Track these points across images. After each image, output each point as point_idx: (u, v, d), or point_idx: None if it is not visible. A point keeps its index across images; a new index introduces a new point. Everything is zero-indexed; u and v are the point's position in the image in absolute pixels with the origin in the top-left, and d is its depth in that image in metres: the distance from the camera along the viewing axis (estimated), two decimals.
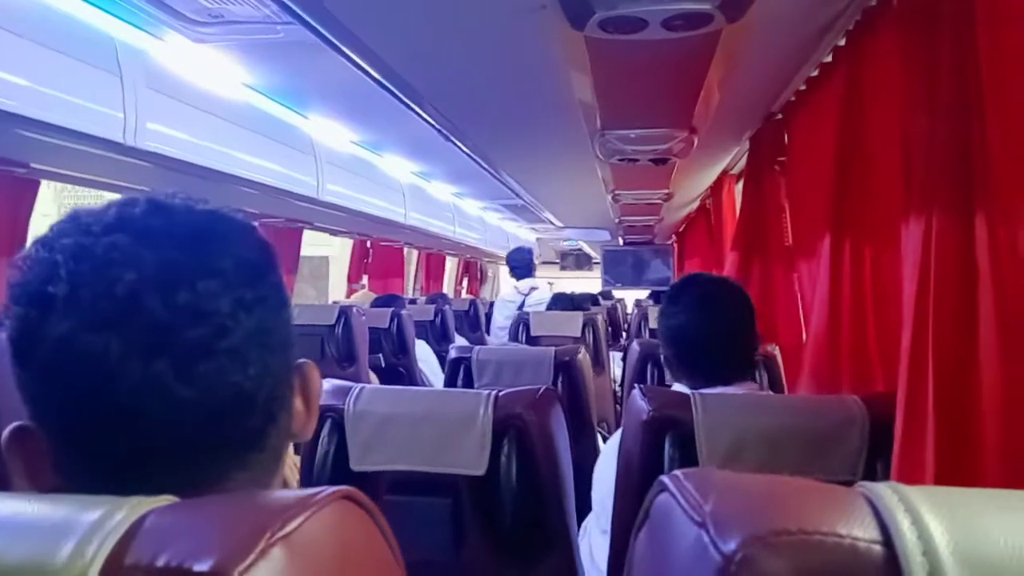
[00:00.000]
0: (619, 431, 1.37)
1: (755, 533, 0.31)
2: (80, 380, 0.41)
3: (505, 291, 4.36)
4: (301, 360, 0.52)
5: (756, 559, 0.30)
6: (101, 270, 0.41)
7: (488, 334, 4.35)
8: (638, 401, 1.07)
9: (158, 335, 0.41)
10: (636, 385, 1.13)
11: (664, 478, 0.40)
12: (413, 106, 1.68)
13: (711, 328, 1.21)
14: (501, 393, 1.09)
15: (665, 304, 1.28)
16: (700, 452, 1.01)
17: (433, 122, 1.84)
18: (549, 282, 4.32)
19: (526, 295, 3.97)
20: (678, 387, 1.27)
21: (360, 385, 1.13)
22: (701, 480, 0.37)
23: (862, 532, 0.30)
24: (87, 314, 0.40)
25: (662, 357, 1.34)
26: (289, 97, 2.43)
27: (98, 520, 0.32)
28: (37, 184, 2.26)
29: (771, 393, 1.45)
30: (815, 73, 1.51)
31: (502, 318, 4.08)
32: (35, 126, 1.67)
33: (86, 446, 0.42)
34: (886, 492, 0.32)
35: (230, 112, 2.23)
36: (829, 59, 1.44)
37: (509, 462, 1.06)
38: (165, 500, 0.34)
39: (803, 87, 1.61)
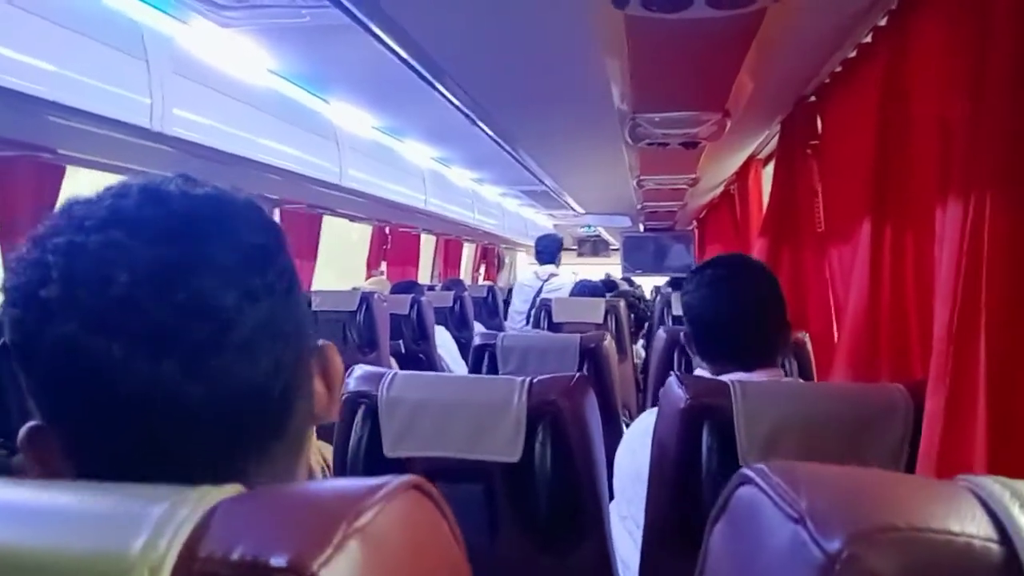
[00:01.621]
0: (641, 419, 1.36)
1: (860, 530, 0.30)
2: (85, 383, 0.40)
3: (524, 276, 4.37)
4: (321, 342, 0.51)
5: (863, 557, 0.29)
6: (95, 270, 0.39)
7: (506, 319, 4.35)
8: (675, 389, 1.06)
9: (160, 336, 0.39)
10: (672, 372, 1.11)
11: (747, 470, 0.38)
12: (439, 87, 1.66)
13: (729, 307, 1.19)
14: (535, 380, 1.08)
15: (686, 282, 1.26)
16: (739, 441, 0.99)
17: (459, 104, 1.82)
18: (573, 271, 4.30)
19: (545, 281, 3.96)
20: (699, 371, 1.24)
21: (392, 371, 1.13)
22: (790, 473, 0.35)
23: (975, 529, 0.29)
24: (85, 317, 0.39)
25: (682, 335, 1.33)
26: (312, 82, 2.42)
27: (168, 511, 0.31)
28: (63, 170, 2.28)
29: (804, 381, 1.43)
30: (853, 54, 1.48)
31: (520, 302, 4.09)
32: (62, 111, 1.67)
33: (100, 445, 0.41)
34: (994, 486, 0.30)
35: (254, 97, 2.23)
36: (868, 40, 1.40)
37: (544, 449, 1.05)
38: (232, 489, 0.33)
39: (839, 69, 1.58)
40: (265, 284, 0.43)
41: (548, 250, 4.04)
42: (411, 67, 1.52)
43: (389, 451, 1.06)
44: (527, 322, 3.95)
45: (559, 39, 1.34)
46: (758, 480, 0.37)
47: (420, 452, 1.05)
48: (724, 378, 1.14)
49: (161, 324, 0.39)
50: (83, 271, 0.39)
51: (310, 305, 0.55)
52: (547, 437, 1.04)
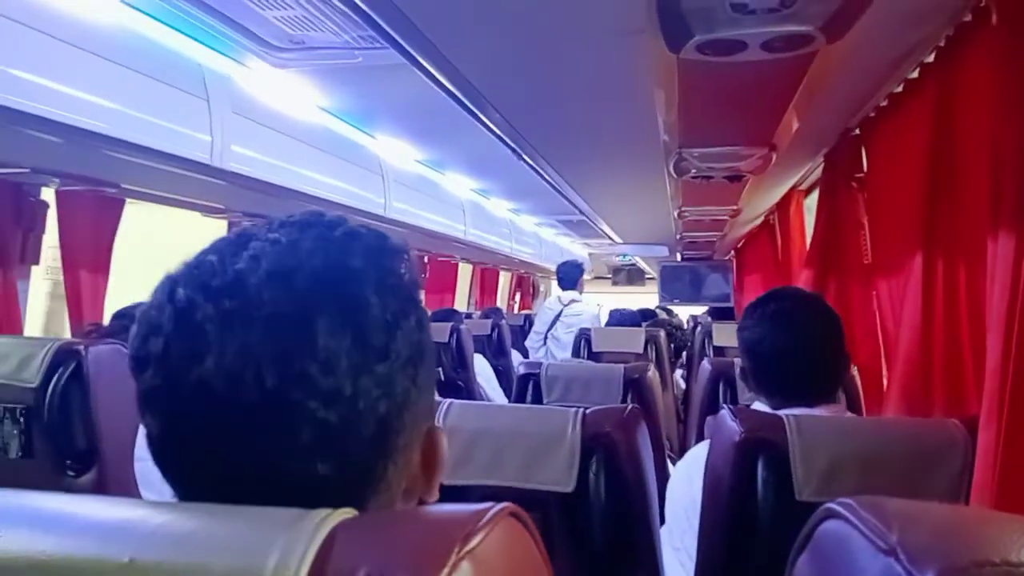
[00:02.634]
0: (695, 451, 1.36)
1: (954, 564, 0.31)
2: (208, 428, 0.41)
3: (549, 300, 4.43)
4: (431, 426, 0.49)
5: None
6: (190, 342, 0.40)
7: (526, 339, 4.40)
8: (728, 422, 1.06)
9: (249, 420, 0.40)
10: (725, 405, 1.12)
11: (833, 505, 0.40)
12: (485, 120, 1.71)
13: (791, 344, 1.17)
14: (588, 411, 1.09)
15: (745, 316, 1.24)
16: (795, 475, 0.99)
17: (503, 135, 1.87)
18: (599, 304, 4.33)
19: (565, 305, 4.00)
20: (758, 404, 1.24)
21: (448, 401, 1.15)
22: (879, 507, 0.37)
23: None
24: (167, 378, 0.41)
25: (738, 371, 1.31)
26: (360, 119, 2.50)
27: (294, 533, 0.33)
28: (123, 203, 2.37)
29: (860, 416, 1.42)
30: (899, 89, 1.49)
31: (540, 323, 4.13)
32: (127, 148, 1.76)
33: (207, 476, 0.42)
34: None
35: (305, 134, 2.31)
36: (915, 75, 1.41)
37: (598, 480, 1.06)
38: (347, 513, 0.35)
39: (884, 103, 1.58)
40: (383, 373, 0.42)
41: (569, 276, 4.09)
42: (458, 101, 1.57)
43: (446, 479, 1.06)
44: (543, 342, 4.00)
45: (607, 74, 1.37)
46: (846, 514, 0.39)
47: (477, 480, 1.07)
48: (782, 412, 1.14)
49: (250, 407, 0.40)
50: (180, 341, 0.41)
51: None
52: (601, 468, 1.05)
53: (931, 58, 1.32)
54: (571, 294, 4.06)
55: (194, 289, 0.41)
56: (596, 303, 4.39)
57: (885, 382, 1.60)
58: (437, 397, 1.35)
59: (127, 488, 1.45)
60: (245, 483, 0.40)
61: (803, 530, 0.43)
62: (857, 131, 1.73)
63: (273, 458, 0.40)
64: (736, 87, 1.21)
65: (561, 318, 3.93)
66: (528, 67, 1.42)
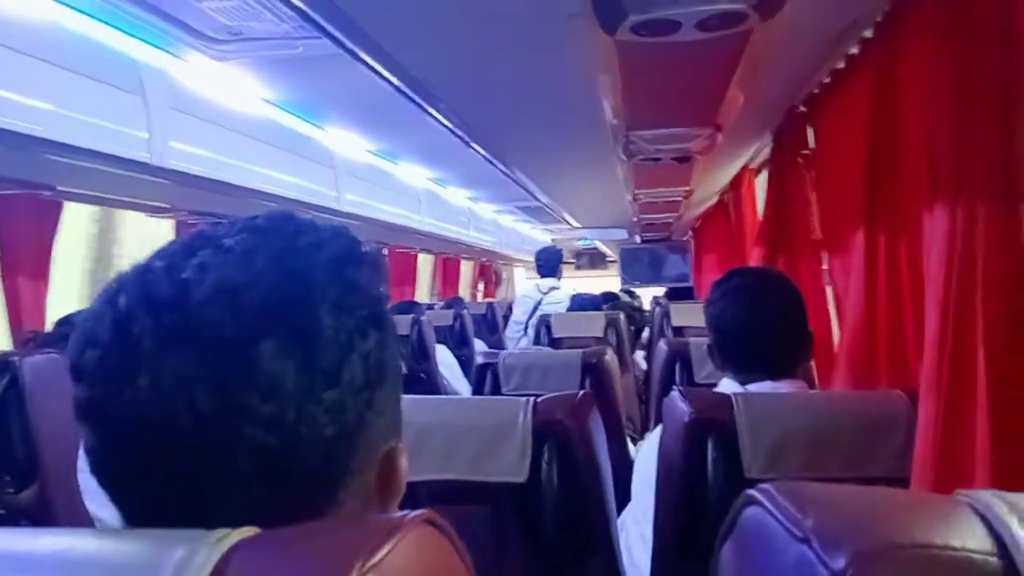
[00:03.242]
0: (658, 429, 1.37)
1: (865, 548, 0.31)
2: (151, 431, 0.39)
3: (526, 288, 4.40)
4: (391, 447, 0.46)
5: (870, 575, 0.30)
6: (124, 359, 0.38)
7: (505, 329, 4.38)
8: (678, 403, 1.07)
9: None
10: (675, 387, 1.12)
11: (753, 491, 0.40)
12: (433, 112, 1.68)
13: (751, 317, 1.20)
14: (540, 399, 1.09)
15: (710, 292, 1.27)
16: (743, 454, 1.00)
17: (452, 127, 1.84)
18: (575, 288, 4.33)
19: (545, 294, 3.98)
20: (726, 380, 1.24)
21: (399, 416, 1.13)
22: (795, 493, 0.37)
23: (976, 544, 0.30)
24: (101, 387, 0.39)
25: (705, 347, 1.33)
26: (307, 110, 2.44)
27: (186, 555, 0.31)
28: (61, 206, 2.29)
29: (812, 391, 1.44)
30: (841, 65, 1.50)
31: (519, 313, 4.11)
32: (61, 149, 1.69)
33: (145, 490, 0.40)
34: (994, 501, 0.32)
35: (250, 127, 2.25)
36: (856, 51, 1.42)
37: (550, 468, 1.05)
38: (249, 531, 0.34)
39: (828, 79, 1.60)
40: (335, 400, 0.40)
41: (548, 263, 4.06)
42: (402, 92, 1.54)
43: None
44: (524, 332, 3.99)
45: (550, 61, 1.36)
46: (764, 501, 0.39)
47: (427, 476, 1.05)
48: (751, 387, 1.16)
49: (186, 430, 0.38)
50: (118, 355, 0.39)
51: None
52: (553, 456, 1.05)
53: (870, 33, 1.34)
54: (550, 281, 4.02)
55: (136, 300, 0.39)
56: (573, 288, 4.39)
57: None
58: None
59: (71, 500, 1.41)
60: (177, 503, 0.39)
61: (728, 516, 0.43)
62: (803, 108, 1.75)
63: (207, 483, 0.38)
64: (676, 68, 1.21)
65: (541, 306, 3.91)
66: (470, 57, 1.40)
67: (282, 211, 0.45)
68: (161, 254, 0.42)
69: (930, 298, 0.99)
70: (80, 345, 0.40)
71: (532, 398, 1.08)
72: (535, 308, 3.96)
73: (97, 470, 0.41)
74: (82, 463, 1.37)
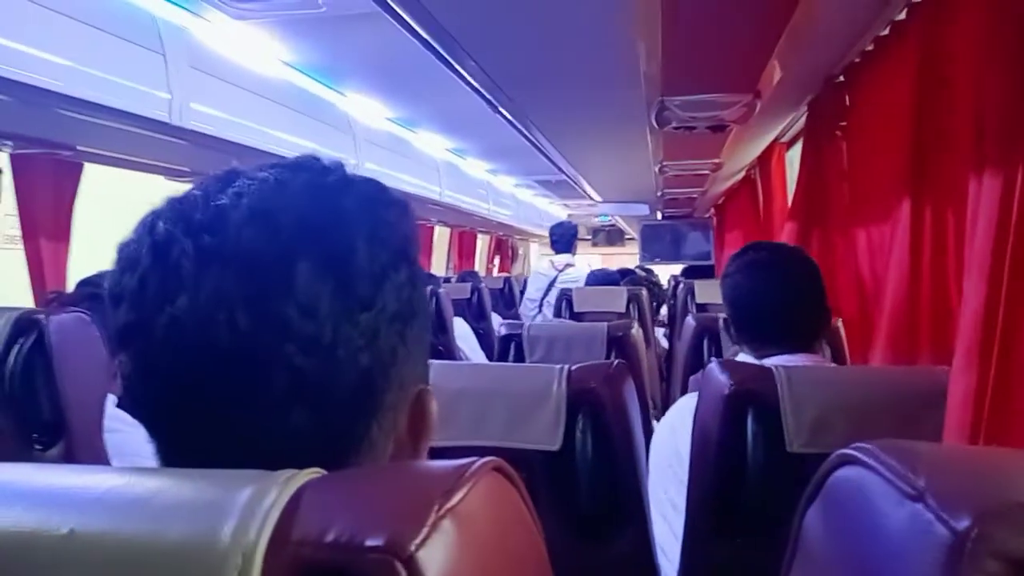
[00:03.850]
0: (679, 403, 1.35)
1: (991, 506, 0.28)
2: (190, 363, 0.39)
3: (540, 265, 4.35)
4: (422, 388, 0.47)
5: (996, 536, 0.28)
6: (164, 279, 0.39)
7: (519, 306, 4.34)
8: (717, 375, 1.04)
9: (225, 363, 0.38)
10: (712, 359, 1.10)
11: (850, 450, 0.37)
12: (460, 70, 1.63)
13: (772, 290, 1.19)
14: (574, 367, 1.06)
15: (727, 267, 1.27)
16: (786, 427, 0.98)
17: (479, 88, 1.79)
18: (588, 263, 4.27)
19: (560, 271, 3.93)
20: (743, 356, 1.23)
21: (431, 362, 1.11)
22: (903, 450, 0.34)
23: None
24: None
25: (720, 320, 1.32)
26: (327, 74, 2.40)
27: (254, 495, 0.30)
28: (81, 167, 2.28)
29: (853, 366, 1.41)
30: (885, 32, 1.45)
31: (534, 290, 4.06)
32: (82, 106, 1.67)
33: (188, 433, 0.41)
34: None
35: (269, 90, 2.21)
36: (902, 16, 1.37)
37: (584, 437, 1.04)
38: (315, 472, 0.33)
39: (870, 47, 1.54)
40: (361, 320, 0.40)
41: (563, 238, 4.00)
42: (432, 50, 1.50)
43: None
44: (539, 310, 3.95)
45: (588, 19, 1.31)
46: (864, 458, 0.36)
47: (458, 442, 1.04)
48: (767, 362, 1.14)
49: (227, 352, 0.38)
50: (159, 281, 0.39)
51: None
52: (587, 425, 1.03)
53: None
54: (565, 258, 3.96)
55: (174, 223, 0.39)
56: (587, 264, 4.33)
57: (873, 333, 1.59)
58: None
59: (97, 460, 1.40)
60: (217, 432, 0.39)
61: (813, 480, 0.40)
62: (841, 78, 1.70)
63: (245, 406, 0.38)
64: (720, 30, 1.16)
65: (556, 284, 3.85)
66: (505, 12, 1.35)
67: (310, 154, 0.45)
68: (198, 186, 0.42)
69: (972, 267, 0.95)
70: (119, 271, 0.40)
71: (566, 366, 1.06)
72: (550, 286, 3.91)
73: (133, 397, 0.41)
74: (110, 423, 1.36)
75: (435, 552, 0.29)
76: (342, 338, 0.39)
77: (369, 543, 0.29)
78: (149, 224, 0.40)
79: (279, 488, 0.31)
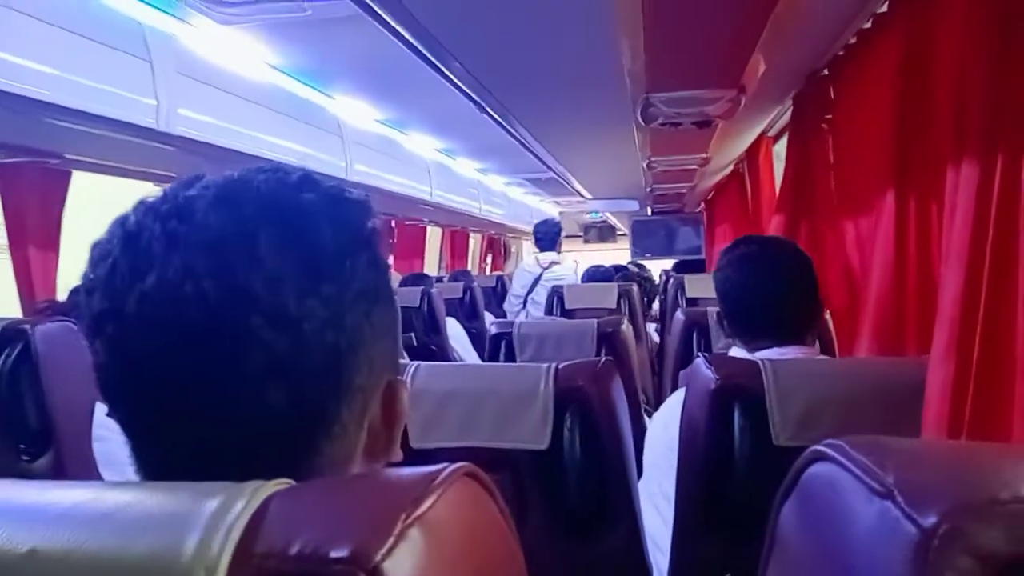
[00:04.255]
0: (671, 399, 1.35)
1: (960, 502, 0.28)
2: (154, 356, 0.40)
3: (526, 262, 4.33)
4: (392, 378, 0.47)
5: (964, 532, 0.27)
6: (135, 261, 0.40)
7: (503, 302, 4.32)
8: (703, 370, 1.04)
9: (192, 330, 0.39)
10: (700, 353, 1.10)
11: (822, 447, 0.37)
12: (446, 72, 1.63)
13: (758, 283, 1.20)
14: (561, 366, 1.06)
15: (718, 260, 1.28)
16: (772, 421, 0.98)
17: (466, 89, 1.79)
18: (575, 259, 4.24)
19: (545, 268, 3.90)
20: (735, 349, 1.23)
21: (415, 363, 1.11)
22: (872, 446, 0.34)
23: None
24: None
25: (712, 315, 1.33)
26: (315, 77, 2.40)
27: (219, 508, 0.30)
28: (69, 175, 2.27)
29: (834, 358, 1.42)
30: (868, 25, 1.45)
31: (518, 287, 4.03)
32: (68, 115, 1.66)
33: (156, 435, 0.41)
34: None
35: (257, 94, 2.21)
36: (884, 9, 1.37)
37: (572, 435, 1.04)
38: (283, 483, 0.32)
39: (853, 40, 1.55)
40: (324, 292, 0.41)
41: (547, 236, 3.96)
42: (418, 53, 1.50)
43: (416, 442, 1.04)
44: (523, 306, 3.93)
45: (570, 18, 1.31)
46: (835, 455, 0.36)
47: (447, 443, 1.04)
48: (758, 355, 1.15)
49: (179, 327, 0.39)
50: (135, 257, 0.40)
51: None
52: (575, 423, 1.03)
53: None
54: (550, 255, 3.93)
55: (144, 214, 0.42)
56: (573, 260, 4.30)
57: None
58: (409, 360, 1.31)
59: (86, 469, 1.40)
60: (194, 415, 0.39)
61: (788, 475, 0.40)
62: (825, 71, 1.70)
63: (220, 384, 0.39)
64: (702, 25, 1.17)
65: (541, 281, 3.83)
66: (487, 13, 1.35)
67: (276, 163, 0.48)
68: (167, 188, 0.44)
69: (951, 257, 0.95)
70: (93, 262, 0.42)
71: (553, 364, 1.06)
72: (535, 283, 3.89)
73: (108, 390, 0.41)
74: (99, 431, 1.36)
75: (402, 562, 0.28)
76: (307, 311, 0.40)
77: (334, 554, 0.28)
78: (121, 220, 0.42)
79: (245, 499, 0.30)
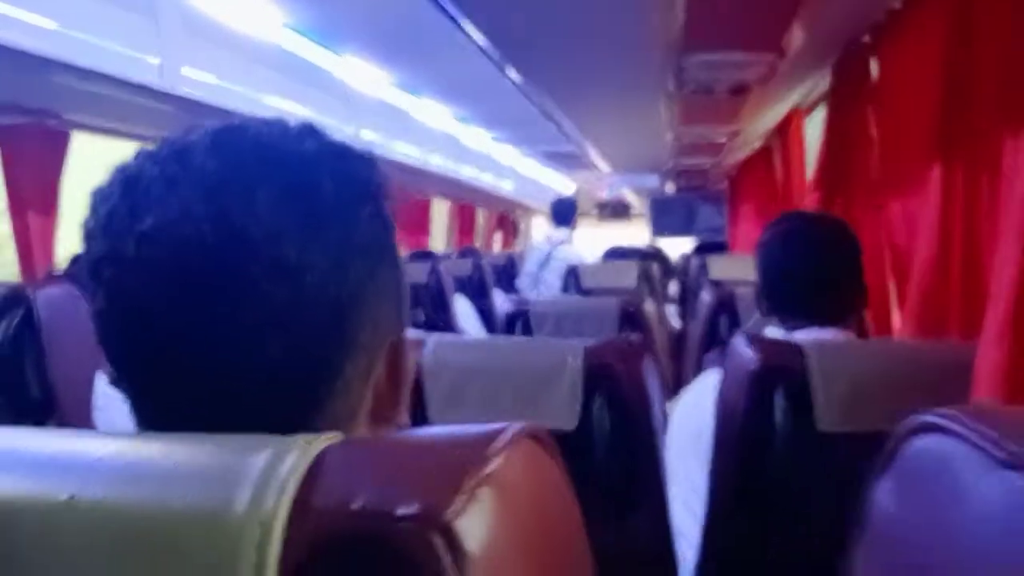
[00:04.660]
0: (702, 379, 1.29)
1: None
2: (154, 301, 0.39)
3: (538, 238, 4.29)
4: (396, 338, 0.46)
5: None
6: (133, 203, 0.39)
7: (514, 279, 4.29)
8: (743, 350, 0.99)
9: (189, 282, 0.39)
10: (739, 332, 1.05)
11: (931, 417, 0.35)
12: (465, 27, 1.54)
13: (805, 263, 1.15)
14: (589, 344, 1.01)
15: (763, 234, 1.23)
16: (816, 404, 0.94)
17: (484, 47, 1.69)
18: (594, 240, 4.17)
19: (554, 246, 3.80)
20: (770, 329, 1.19)
21: (435, 336, 1.05)
22: (989, 416, 0.33)
23: None
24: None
25: (753, 291, 1.29)
26: (326, 36, 2.31)
27: (271, 461, 0.28)
28: (68, 137, 2.20)
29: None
30: None
31: (531, 263, 3.97)
32: (67, 72, 1.60)
33: (164, 391, 0.40)
34: None
35: (264, 55, 2.13)
36: None
37: (601, 416, 0.99)
38: (334, 437, 0.30)
39: (898, 5, 1.46)
40: (326, 244, 0.40)
41: (562, 213, 3.89)
42: (436, 7, 1.40)
43: (436, 421, 0.99)
44: (536, 284, 3.86)
45: None
46: (946, 424, 0.34)
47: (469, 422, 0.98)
48: (797, 335, 1.10)
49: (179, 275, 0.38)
50: (136, 199, 0.40)
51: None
52: (604, 404, 0.98)
53: None
54: (562, 233, 3.85)
55: (144, 158, 0.41)
56: (587, 244, 4.22)
57: (895, 306, 1.53)
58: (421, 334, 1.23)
59: None
60: (192, 364, 0.39)
61: (884, 451, 0.38)
62: (867, 38, 1.61)
63: (219, 333, 0.38)
64: None
65: (550, 261, 3.78)
66: None
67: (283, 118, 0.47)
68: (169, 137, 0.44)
69: (1007, 233, 0.89)
70: (93, 207, 0.41)
71: (581, 342, 1.00)
72: (545, 261, 3.82)
73: (105, 334, 0.41)
74: (99, 401, 1.31)
75: (474, 522, 0.27)
76: (308, 263, 0.39)
77: (400, 511, 0.26)
78: (121, 166, 0.42)
79: (298, 453, 0.28)
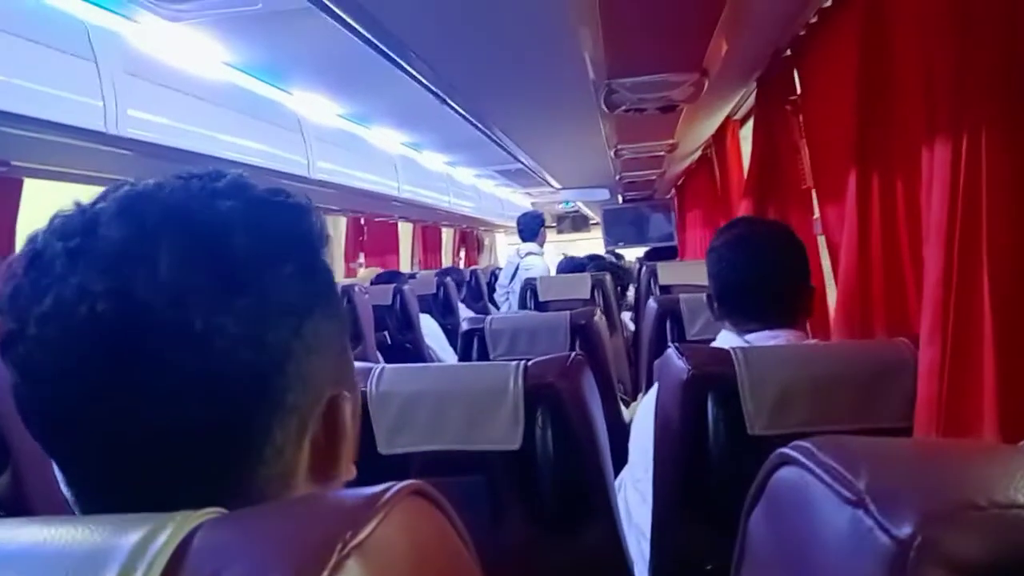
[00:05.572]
0: (653, 391, 1.34)
1: (935, 510, 0.26)
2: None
3: (510, 252, 4.49)
4: (335, 393, 0.44)
5: (941, 542, 0.25)
6: (36, 282, 0.39)
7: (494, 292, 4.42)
8: (675, 360, 1.03)
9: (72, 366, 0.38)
10: (671, 344, 1.08)
11: (787, 450, 0.35)
12: (405, 66, 1.59)
13: (754, 268, 1.19)
14: (530, 363, 1.04)
15: (712, 240, 1.27)
16: (745, 409, 0.97)
17: (427, 83, 1.75)
18: (564, 253, 4.34)
19: (522, 258, 3.99)
20: (724, 332, 1.22)
21: (380, 365, 1.08)
22: (841, 449, 0.32)
23: None
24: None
25: (704, 296, 1.33)
26: (272, 73, 2.33)
27: (140, 541, 0.28)
28: (21, 183, 2.18)
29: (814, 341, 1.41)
30: (828, 3, 1.44)
31: (504, 276, 4.16)
32: (12, 120, 1.59)
33: (83, 464, 0.40)
34: None
35: (212, 93, 2.14)
36: None
37: (544, 433, 1.02)
38: (212, 512, 0.31)
39: (814, 19, 1.54)
40: (237, 307, 0.38)
41: (528, 228, 4.08)
42: (375, 47, 1.45)
43: (383, 448, 1.01)
44: (507, 297, 4.02)
45: (528, 9, 1.28)
46: (802, 459, 0.34)
47: (416, 447, 1.01)
48: (748, 338, 1.14)
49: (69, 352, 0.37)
50: (37, 283, 0.39)
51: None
52: (547, 421, 1.01)
53: None
54: (529, 246, 4.05)
55: (51, 232, 0.40)
56: (561, 254, 4.40)
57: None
58: (379, 360, 1.26)
59: (48, 488, 1.35)
60: (106, 438, 0.38)
61: (756, 480, 0.38)
62: (788, 52, 1.69)
63: (127, 405, 0.37)
64: (661, 8, 1.14)
65: (517, 273, 3.93)
66: (446, 10, 1.31)
67: (218, 170, 0.45)
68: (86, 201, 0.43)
69: (931, 237, 0.94)
70: (3, 282, 0.40)
71: (522, 362, 1.04)
72: (516, 271, 3.98)
73: (24, 415, 0.40)
74: None
75: None
76: (216, 328, 0.37)
77: None
78: (31, 237, 0.41)
79: (170, 531, 0.28)
